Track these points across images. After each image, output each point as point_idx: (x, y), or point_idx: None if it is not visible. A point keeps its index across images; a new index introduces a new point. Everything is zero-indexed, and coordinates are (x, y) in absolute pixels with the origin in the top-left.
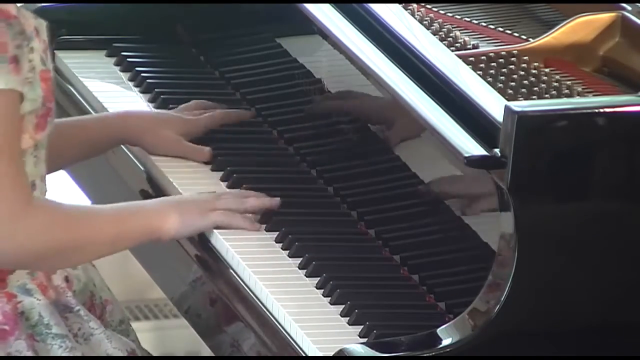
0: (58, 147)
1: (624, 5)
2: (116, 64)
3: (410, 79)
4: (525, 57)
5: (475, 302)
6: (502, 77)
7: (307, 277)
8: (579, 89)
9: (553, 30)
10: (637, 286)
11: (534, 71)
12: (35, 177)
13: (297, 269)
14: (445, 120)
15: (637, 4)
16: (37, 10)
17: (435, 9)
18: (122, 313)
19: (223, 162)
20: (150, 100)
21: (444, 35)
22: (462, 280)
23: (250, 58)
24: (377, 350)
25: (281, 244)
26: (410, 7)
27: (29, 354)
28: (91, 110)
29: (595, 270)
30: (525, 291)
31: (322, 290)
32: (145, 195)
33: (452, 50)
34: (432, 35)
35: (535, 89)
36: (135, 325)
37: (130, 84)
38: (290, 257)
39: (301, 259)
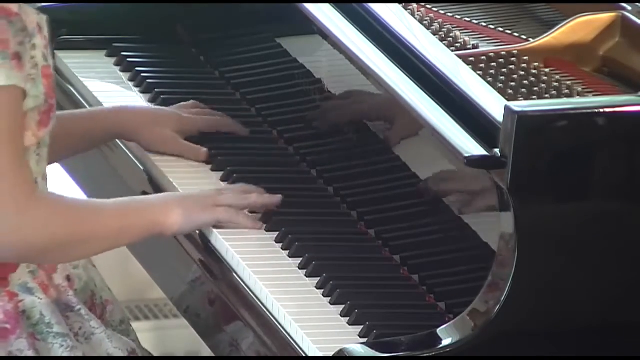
0: (52, 139)
1: (624, 5)
2: (116, 64)
3: (410, 79)
4: (525, 57)
5: (475, 302)
6: (502, 77)
7: (307, 277)
8: (579, 89)
9: (553, 30)
10: (637, 286)
11: (534, 71)
12: (37, 175)
13: (297, 269)
14: (445, 120)
15: (637, 4)
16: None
17: (435, 9)
18: (122, 313)
19: (223, 162)
20: (150, 101)
21: (444, 35)
22: (462, 280)
23: (250, 58)
24: (377, 350)
25: (281, 244)
26: (410, 7)
27: (30, 352)
28: None
29: (595, 270)
30: (525, 291)
31: (322, 290)
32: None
33: (452, 50)
34: (432, 35)
35: (535, 89)
36: (135, 325)
37: (130, 84)
38: (290, 257)
39: (301, 259)
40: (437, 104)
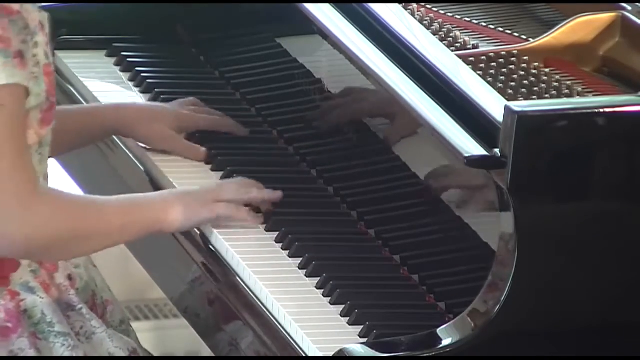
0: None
1: (624, 5)
2: (116, 64)
3: (410, 79)
4: (525, 57)
5: (475, 302)
6: (502, 77)
7: (307, 277)
8: (579, 89)
9: (553, 30)
10: (637, 286)
11: (534, 71)
12: (39, 174)
13: (297, 269)
14: (445, 120)
15: (637, 4)
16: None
17: (435, 9)
18: (122, 313)
19: (223, 162)
20: (150, 101)
21: (444, 35)
22: (462, 280)
23: (250, 58)
24: (377, 350)
25: (281, 244)
26: (410, 7)
27: (32, 351)
28: None
29: (595, 270)
30: (525, 291)
31: (322, 290)
32: None
33: (452, 50)
34: (432, 35)
35: (535, 89)
36: (135, 325)
37: (130, 84)
38: (290, 257)
39: (301, 259)
40: (437, 104)
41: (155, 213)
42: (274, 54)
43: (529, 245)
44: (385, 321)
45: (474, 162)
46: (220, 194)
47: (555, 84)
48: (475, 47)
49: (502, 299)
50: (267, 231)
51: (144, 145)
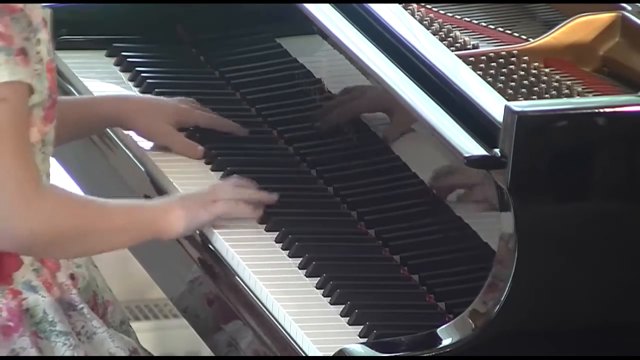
0: None
1: (624, 5)
2: (116, 64)
3: (410, 79)
4: (525, 57)
5: (475, 302)
6: (502, 77)
7: (307, 277)
8: (579, 89)
9: (553, 30)
10: (637, 286)
11: (534, 71)
12: (41, 173)
13: (297, 269)
14: (445, 120)
15: (637, 4)
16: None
17: (435, 9)
18: (122, 314)
19: (223, 162)
20: None
21: (444, 35)
22: (462, 280)
23: (250, 58)
24: (377, 350)
25: (281, 244)
26: (410, 7)
27: (33, 350)
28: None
29: (595, 270)
30: (525, 291)
31: (322, 290)
32: (146, 196)
33: (452, 50)
34: (432, 35)
35: (535, 89)
36: (135, 325)
37: (130, 84)
38: (290, 257)
39: (301, 259)
40: (437, 104)
41: (157, 218)
42: (274, 54)
43: (529, 245)
44: (385, 321)
45: (474, 162)
46: (217, 194)
47: (555, 84)
48: (475, 47)
49: (502, 299)
50: (267, 231)
51: (143, 145)
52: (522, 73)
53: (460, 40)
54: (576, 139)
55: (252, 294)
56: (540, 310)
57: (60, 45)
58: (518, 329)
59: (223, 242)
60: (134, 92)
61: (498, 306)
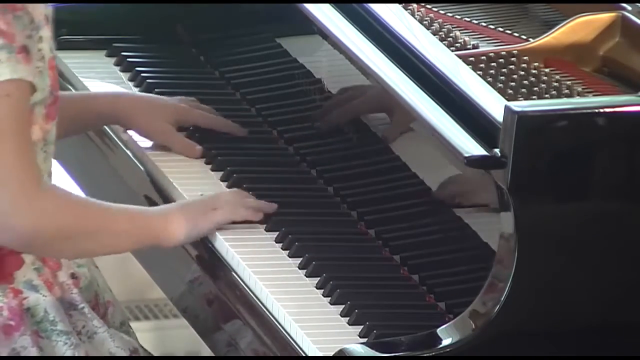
0: None
1: (624, 5)
2: (116, 64)
3: (410, 79)
4: (525, 57)
5: (475, 302)
6: (502, 77)
7: (307, 277)
8: (579, 89)
9: (553, 30)
10: (637, 286)
11: (534, 71)
12: (43, 172)
13: (297, 269)
14: (445, 120)
15: (637, 4)
16: None
17: (435, 9)
18: (122, 315)
19: (223, 162)
20: None
21: (444, 35)
22: (462, 280)
23: (250, 58)
24: (377, 350)
25: (281, 244)
26: (410, 7)
27: (34, 349)
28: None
29: (595, 270)
30: (525, 291)
31: (322, 290)
32: (146, 197)
33: (452, 50)
34: (432, 35)
35: (535, 89)
36: (135, 325)
37: (130, 84)
38: (290, 257)
39: (301, 259)
40: (437, 104)
41: (158, 224)
42: (274, 54)
43: (529, 245)
44: (385, 321)
45: (474, 162)
46: (216, 203)
47: (555, 84)
48: (475, 47)
49: (502, 299)
50: (267, 231)
51: (143, 144)
52: (522, 73)
53: (460, 40)
54: (576, 139)
55: (252, 294)
56: (540, 310)
57: (61, 45)
58: (518, 329)
59: (223, 242)
60: (134, 92)
61: (498, 306)
